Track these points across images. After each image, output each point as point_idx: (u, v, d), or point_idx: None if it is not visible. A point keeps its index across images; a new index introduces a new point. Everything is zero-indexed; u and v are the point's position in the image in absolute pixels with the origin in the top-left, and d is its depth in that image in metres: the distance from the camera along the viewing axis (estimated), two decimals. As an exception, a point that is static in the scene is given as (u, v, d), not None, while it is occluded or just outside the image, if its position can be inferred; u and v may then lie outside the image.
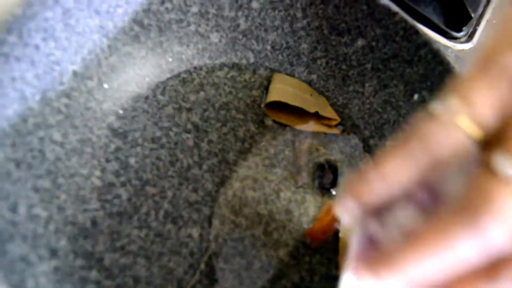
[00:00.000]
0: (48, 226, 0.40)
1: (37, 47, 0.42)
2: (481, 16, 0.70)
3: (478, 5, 0.71)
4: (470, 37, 0.67)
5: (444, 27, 0.66)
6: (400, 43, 0.50)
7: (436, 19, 0.66)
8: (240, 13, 0.53)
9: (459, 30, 0.67)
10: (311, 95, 0.54)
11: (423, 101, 0.49)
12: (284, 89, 0.54)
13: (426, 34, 0.49)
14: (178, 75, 0.53)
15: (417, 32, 0.49)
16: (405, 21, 0.49)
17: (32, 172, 0.41)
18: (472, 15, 0.68)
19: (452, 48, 0.65)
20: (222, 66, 0.55)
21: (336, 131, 0.53)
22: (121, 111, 0.49)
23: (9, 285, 0.31)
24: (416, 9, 0.66)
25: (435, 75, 0.48)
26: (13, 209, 0.38)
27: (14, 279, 0.33)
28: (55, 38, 0.43)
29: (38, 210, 0.40)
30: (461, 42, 0.66)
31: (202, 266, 0.44)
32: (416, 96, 0.50)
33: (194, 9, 0.52)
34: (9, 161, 0.39)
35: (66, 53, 0.44)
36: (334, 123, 0.54)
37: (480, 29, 0.69)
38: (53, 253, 0.39)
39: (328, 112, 0.54)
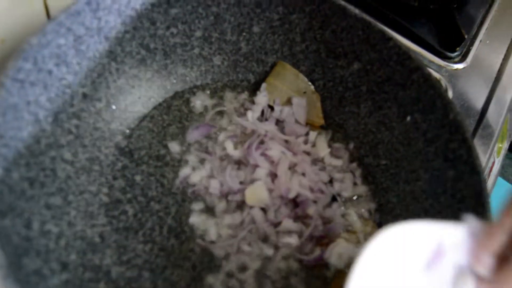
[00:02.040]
0: (59, 241, 0.43)
1: (50, 72, 0.44)
2: (474, 37, 0.73)
3: (472, 26, 0.73)
4: (463, 57, 0.70)
5: (438, 48, 0.69)
6: (394, 67, 0.53)
7: (430, 40, 0.69)
8: (241, 37, 0.56)
9: (453, 51, 0.69)
10: (304, 92, 0.57)
11: (415, 123, 0.52)
12: (278, 88, 0.57)
13: (418, 59, 0.52)
14: (182, 95, 0.56)
15: (410, 57, 0.51)
16: (399, 47, 0.52)
17: (44, 190, 0.43)
18: (466, 36, 0.71)
19: (446, 67, 0.68)
20: (224, 87, 0.57)
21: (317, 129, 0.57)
22: (127, 131, 0.52)
23: (25, 299, 0.34)
24: (411, 30, 0.68)
25: (426, 98, 0.50)
26: (27, 225, 0.40)
27: (29, 292, 0.36)
28: (67, 63, 0.46)
29: (50, 226, 0.43)
30: (455, 62, 0.69)
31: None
32: (408, 118, 0.52)
33: (198, 33, 0.55)
34: (24, 180, 0.41)
35: (77, 77, 0.47)
36: (317, 124, 0.57)
37: (473, 49, 0.71)
38: (64, 266, 0.42)
39: (314, 114, 0.57)
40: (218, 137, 0.54)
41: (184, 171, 0.52)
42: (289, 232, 0.50)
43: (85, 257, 0.44)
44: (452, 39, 0.70)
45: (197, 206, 0.51)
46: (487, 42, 0.74)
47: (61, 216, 0.44)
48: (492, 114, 0.68)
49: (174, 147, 0.53)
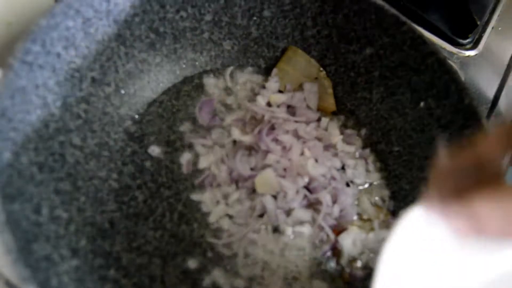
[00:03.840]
0: (69, 227, 0.42)
1: (58, 55, 0.44)
2: (486, 24, 0.72)
3: (484, 13, 0.72)
4: (475, 44, 0.69)
5: (450, 34, 0.67)
6: (407, 52, 0.52)
7: (442, 26, 0.68)
8: (252, 22, 0.55)
9: (465, 37, 0.68)
10: (316, 78, 0.56)
11: (428, 108, 0.51)
12: (289, 74, 0.56)
13: (433, 43, 0.51)
14: (191, 81, 0.55)
15: (424, 41, 0.50)
16: (413, 31, 0.51)
17: (53, 175, 0.43)
18: (478, 22, 0.70)
19: (458, 54, 0.67)
20: (234, 72, 0.56)
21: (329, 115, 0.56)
22: (137, 116, 0.51)
23: (36, 283, 0.33)
24: (423, 16, 0.67)
25: (441, 84, 0.49)
26: (37, 210, 0.40)
27: (39, 277, 0.35)
28: (76, 46, 0.45)
29: (60, 212, 0.42)
30: (467, 49, 0.68)
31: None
32: (422, 104, 0.51)
33: (208, 17, 0.54)
34: (32, 164, 0.41)
35: (85, 60, 0.46)
36: (329, 110, 0.56)
37: (485, 36, 0.70)
38: (74, 252, 0.41)
39: (326, 99, 0.56)
40: (224, 122, 0.53)
41: (188, 156, 0.51)
42: (301, 222, 0.49)
43: (95, 244, 0.44)
44: (464, 26, 0.69)
45: (207, 192, 0.50)
46: (499, 28, 0.72)
47: (71, 202, 0.44)
48: (504, 101, 0.67)
49: (184, 132, 0.52)
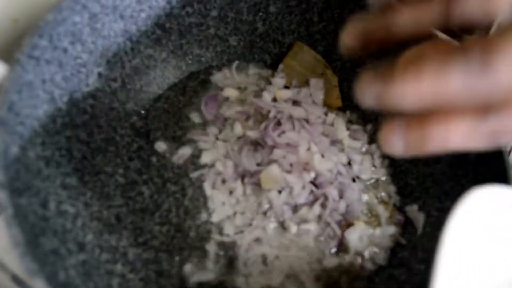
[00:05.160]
0: (76, 222, 0.42)
1: (65, 50, 0.44)
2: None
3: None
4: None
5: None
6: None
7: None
8: (258, 17, 0.55)
9: (471, 33, 0.68)
10: (322, 74, 0.56)
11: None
12: (295, 69, 0.56)
13: (439, 35, 0.50)
14: (197, 76, 0.55)
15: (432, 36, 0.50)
16: (419, 26, 0.51)
17: (60, 170, 0.43)
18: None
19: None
20: (240, 68, 0.56)
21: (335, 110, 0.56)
22: (143, 111, 0.52)
23: (44, 276, 0.33)
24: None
25: (447, 78, 0.49)
26: (44, 205, 0.40)
27: (47, 271, 0.35)
28: (82, 42, 0.45)
29: (67, 206, 0.42)
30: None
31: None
32: (428, 99, 0.51)
33: (214, 13, 0.54)
34: (40, 159, 0.41)
35: (92, 56, 0.46)
36: (335, 106, 0.56)
37: (492, 32, 0.70)
38: (81, 247, 0.41)
39: (332, 95, 0.56)
40: (230, 117, 0.53)
41: (185, 150, 0.51)
42: (307, 218, 0.49)
43: (102, 238, 0.44)
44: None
45: (213, 189, 0.50)
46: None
47: (77, 197, 0.44)
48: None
49: (190, 127, 0.52)
